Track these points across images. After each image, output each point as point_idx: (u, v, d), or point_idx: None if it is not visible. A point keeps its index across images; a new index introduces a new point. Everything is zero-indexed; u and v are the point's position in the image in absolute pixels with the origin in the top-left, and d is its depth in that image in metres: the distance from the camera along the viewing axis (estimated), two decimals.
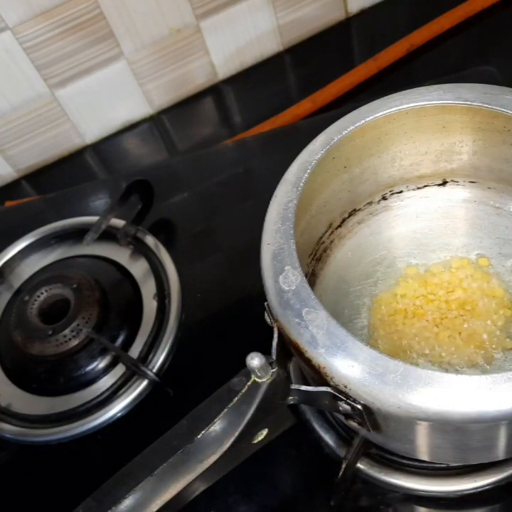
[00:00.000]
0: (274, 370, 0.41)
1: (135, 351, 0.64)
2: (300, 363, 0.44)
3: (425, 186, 0.57)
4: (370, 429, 0.42)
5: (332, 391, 0.39)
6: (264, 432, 0.43)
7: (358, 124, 0.49)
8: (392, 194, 0.57)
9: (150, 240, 0.71)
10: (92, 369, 0.63)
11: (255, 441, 0.43)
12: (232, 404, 0.40)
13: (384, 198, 0.57)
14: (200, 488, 0.43)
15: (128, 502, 0.39)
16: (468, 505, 0.51)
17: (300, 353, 0.40)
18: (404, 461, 0.52)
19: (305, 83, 0.88)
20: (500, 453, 0.44)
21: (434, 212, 0.57)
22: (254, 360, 0.39)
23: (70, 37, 0.77)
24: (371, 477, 0.52)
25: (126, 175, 0.79)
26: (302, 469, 0.55)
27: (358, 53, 0.90)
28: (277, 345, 0.42)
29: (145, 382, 0.62)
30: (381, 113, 0.49)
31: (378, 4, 0.92)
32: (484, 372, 0.49)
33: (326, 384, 0.39)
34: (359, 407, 0.39)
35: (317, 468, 0.55)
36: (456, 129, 0.51)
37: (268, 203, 0.47)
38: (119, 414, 0.61)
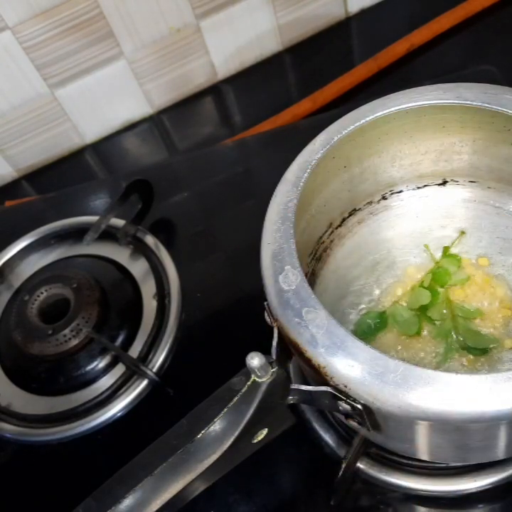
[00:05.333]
0: (274, 369, 0.41)
1: (135, 351, 0.64)
2: (300, 363, 0.44)
3: (425, 186, 0.57)
4: (370, 428, 0.42)
5: (332, 391, 0.39)
6: (264, 431, 0.43)
7: (357, 124, 0.49)
8: (392, 194, 0.57)
9: (150, 240, 0.71)
10: (92, 369, 0.63)
11: (255, 441, 0.43)
12: (232, 404, 0.40)
13: (384, 198, 0.57)
14: (200, 487, 0.43)
15: (128, 502, 0.39)
16: (468, 505, 0.51)
17: (300, 353, 0.40)
18: (404, 461, 0.52)
19: (305, 83, 0.88)
20: (500, 453, 0.44)
21: (434, 212, 0.57)
22: (254, 360, 0.39)
23: (69, 36, 0.77)
24: (371, 477, 0.52)
25: (126, 175, 0.79)
26: (302, 469, 0.55)
27: (358, 53, 0.90)
28: (277, 345, 0.42)
29: (145, 382, 0.62)
30: (381, 113, 0.49)
31: (378, 4, 0.92)
32: (484, 372, 0.49)
33: (326, 384, 0.39)
34: (359, 406, 0.39)
35: (317, 468, 0.55)
36: (456, 128, 0.51)
37: (268, 202, 0.47)
38: (119, 414, 0.61)
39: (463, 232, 0.55)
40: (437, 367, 0.49)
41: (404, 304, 0.53)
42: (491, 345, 0.49)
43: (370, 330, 0.52)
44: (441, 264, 0.54)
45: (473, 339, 0.49)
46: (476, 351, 0.49)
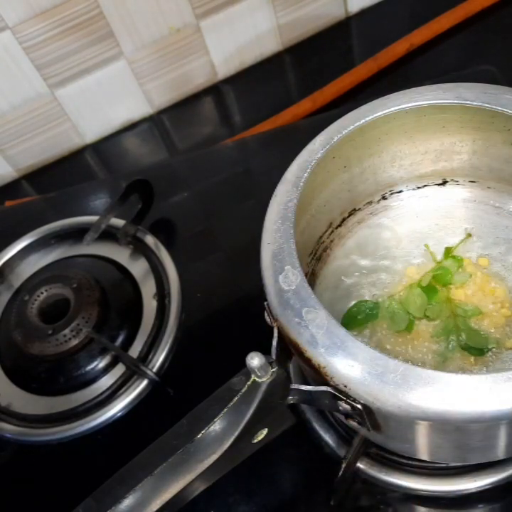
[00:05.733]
0: (274, 369, 0.41)
1: (135, 351, 0.64)
2: (300, 363, 0.44)
3: (425, 186, 0.57)
4: (370, 428, 0.42)
5: (332, 391, 0.39)
6: (264, 431, 0.43)
7: (357, 124, 0.49)
8: (392, 194, 0.57)
9: (150, 240, 0.71)
10: (92, 369, 0.63)
11: (255, 441, 0.43)
12: (232, 403, 0.40)
13: (384, 198, 0.57)
14: (200, 487, 0.43)
15: (128, 502, 0.39)
16: (468, 505, 0.51)
17: (300, 353, 0.40)
18: (404, 461, 0.52)
19: (305, 83, 0.88)
20: (500, 453, 0.44)
21: (434, 212, 0.57)
22: (254, 360, 0.39)
23: (69, 36, 0.77)
24: (371, 477, 0.52)
25: (126, 174, 0.79)
26: (302, 469, 0.55)
27: (358, 53, 0.90)
28: (277, 345, 0.42)
29: (145, 382, 0.62)
30: (381, 112, 0.49)
31: (378, 4, 0.92)
32: (484, 371, 0.49)
33: (326, 383, 0.39)
34: (359, 406, 0.39)
35: (317, 468, 0.55)
36: (456, 128, 0.51)
37: (268, 202, 0.47)
38: (119, 414, 0.61)
39: (469, 235, 0.54)
40: (437, 367, 0.49)
41: (398, 300, 0.53)
42: (491, 346, 0.49)
43: (358, 316, 0.52)
44: (442, 265, 0.54)
45: (474, 339, 0.49)
46: (475, 351, 0.49)
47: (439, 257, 0.55)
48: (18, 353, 0.64)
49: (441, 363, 0.49)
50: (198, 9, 0.82)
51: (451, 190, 0.57)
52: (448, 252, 0.54)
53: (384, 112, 0.49)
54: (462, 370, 0.49)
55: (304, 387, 0.42)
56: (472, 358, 0.49)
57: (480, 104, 0.47)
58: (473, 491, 0.51)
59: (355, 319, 0.52)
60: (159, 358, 0.63)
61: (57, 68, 0.80)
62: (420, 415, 0.37)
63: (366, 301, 0.53)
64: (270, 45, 0.90)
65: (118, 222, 0.71)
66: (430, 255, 0.55)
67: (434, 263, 0.54)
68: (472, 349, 0.49)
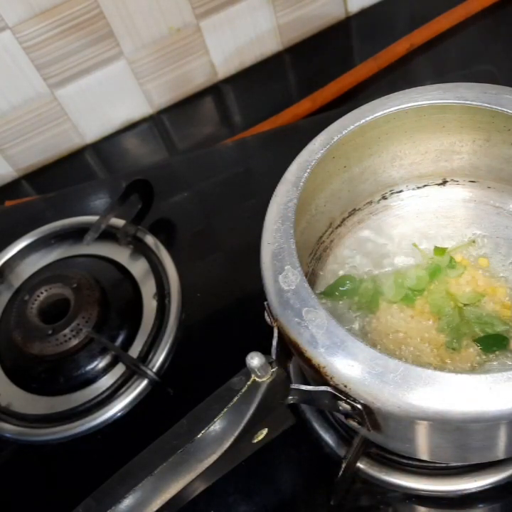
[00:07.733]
0: (274, 369, 0.41)
1: (135, 351, 0.64)
2: (300, 363, 0.44)
3: (425, 186, 0.57)
4: (370, 428, 0.42)
5: (332, 390, 0.39)
6: (264, 431, 0.43)
7: (357, 124, 0.49)
8: (392, 194, 0.57)
9: (150, 240, 0.71)
10: (92, 368, 0.63)
11: (255, 441, 0.43)
12: (232, 403, 0.40)
13: (384, 198, 0.57)
14: (200, 487, 0.43)
15: (128, 501, 0.39)
16: (469, 505, 0.51)
17: (300, 353, 0.40)
18: (404, 461, 0.52)
19: (305, 83, 0.88)
20: (501, 452, 0.44)
21: (434, 212, 0.57)
22: (254, 360, 0.39)
23: (69, 36, 0.77)
24: (371, 477, 0.52)
25: (126, 174, 0.79)
26: (302, 469, 0.55)
27: (358, 53, 0.90)
28: (277, 345, 0.42)
29: (145, 382, 0.62)
30: (381, 112, 0.49)
31: (378, 3, 0.92)
32: (484, 371, 0.49)
33: (326, 383, 0.39)
34: (359, 406, 0.39)
35: (317, 468, 0.55)
36: (456, 128, 0.51)
37: (268, 202, 0.47)
38: (119, 414, 0.61)
39: (473, 241, 0.54)
40: (439, 365, 0.49)
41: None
42: (503, 328, 0.49)
43: (338, 288, 0.52)
44: (434, 261, 0.54)
45: (483, 323, 0.49)
46: (488, 341, 0.48)
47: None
48: (18, 353, 0.64)
49: (445, 360, 0.49)
50: (198, 9, 0.82)
51: (451, 190, 0.57)
52: (438, 251, 0.54)
53: (384, 111, 0.49)
54: (463, 369, 0.49)
55: (304, 387, 0.42)
56: (471, 358, 0.49)
57: (480, 104, 0.47)
58: (474, 490, 0.51)
59: (335, 290, 0.52)
60: (159, 358, 0.63)
61: (57, 68, 0.80)
62: (420, 415, 0.37)
63: (351, 276, 0.53)
64: (270, 45, 0.90)
65: (118, 222, 0.71)
66: (429, 255, 0.55)
67: (425, 260, 0.54)
68: (482, 341, 0.49)
